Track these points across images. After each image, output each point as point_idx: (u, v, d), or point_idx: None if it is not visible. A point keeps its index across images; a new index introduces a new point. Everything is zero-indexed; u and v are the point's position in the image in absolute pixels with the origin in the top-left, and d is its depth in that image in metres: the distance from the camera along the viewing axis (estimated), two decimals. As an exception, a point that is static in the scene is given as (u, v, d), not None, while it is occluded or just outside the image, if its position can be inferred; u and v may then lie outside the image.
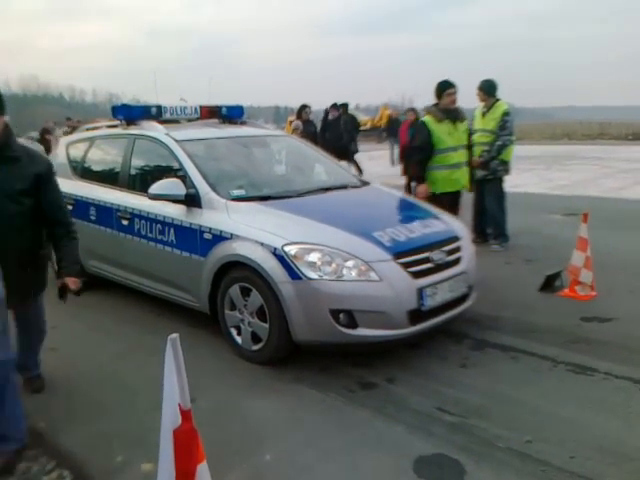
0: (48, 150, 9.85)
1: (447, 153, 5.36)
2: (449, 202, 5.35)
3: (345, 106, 11.16)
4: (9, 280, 2.72)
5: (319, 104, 13.96)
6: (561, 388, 3.37)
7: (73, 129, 13.07)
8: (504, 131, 6.47)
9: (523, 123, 43.07)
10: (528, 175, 13.96)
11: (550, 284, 5.11)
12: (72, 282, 3.12)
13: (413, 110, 10.46)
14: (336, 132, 10.21)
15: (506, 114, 6.48)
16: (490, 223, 6.86)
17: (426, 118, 5.42)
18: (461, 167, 5.46)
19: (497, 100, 6.60)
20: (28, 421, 3.12)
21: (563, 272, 5.15)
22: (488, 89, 6.59)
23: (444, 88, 5.37)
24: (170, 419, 2.01)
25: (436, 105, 5.40)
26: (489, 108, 6.55)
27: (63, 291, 3.15)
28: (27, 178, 2.94)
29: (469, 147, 5.60)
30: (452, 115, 5.36)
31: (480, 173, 6.53)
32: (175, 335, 1.90)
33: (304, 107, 10.62)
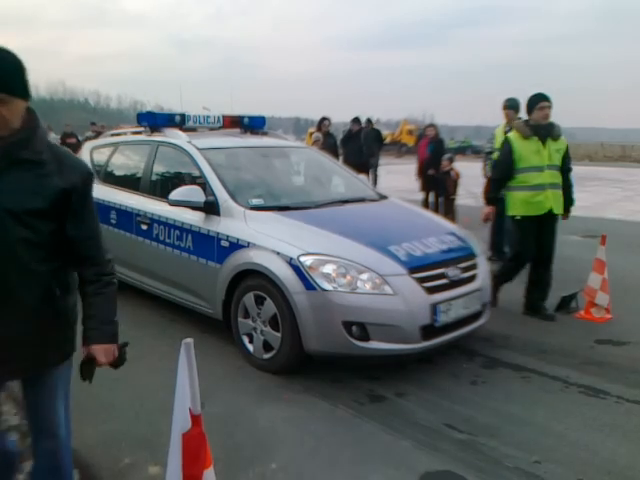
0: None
1: (529, 173, 4.76)
2: (535, 228, 4.88)
3: (369, 121, 11.32)
4: (10, 347, 1.91)
5: (340, 117, 14.05)
6: (572, 410, 3.34)
7: (98, 134, 13.32)
8: None
9: (544, 143, 42.63)
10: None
11: (565, 305, 5.08)
12: (103, 352, 2.10)
13: (433, 126, 10.45)
14: (356, 145, 10.25)
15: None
16: (508, 241, 6.84)
17: (511, 134, 4.93)
18: (546, 189, 4.75)
19: (519, 119, 6.63)
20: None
21: (579, 293, 5.12)
22: (517, 108, 6.64)
23: (536, 101, 4.76)
24: (180, 423, 2.03)
25: (526, 121, 4.86)
26: (512, 127, 6.57)
27: (89, 367, 2.08)
28: (50, 192, 1.86)
29: (564, 169, 4.92)
30: (543, 132, 4.74)
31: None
32: (189, 339, 1.93)
33: (324, 119, 10.69)
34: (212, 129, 5.68)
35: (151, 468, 2.72)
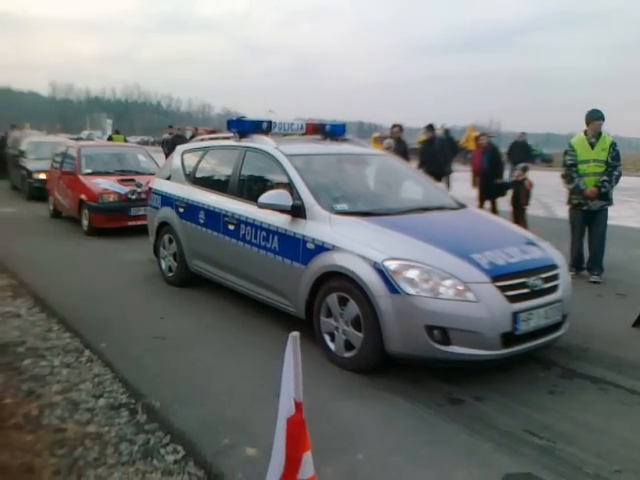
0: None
1: None
2: None
3: (447, 131, 11.59)
4: None
5: (406, 122, 14.06)
6: (653, 424, 3.37)
7: (175, 137, 13.89)
8: (619, 161, 6.57)
9: (618, 153, 41.13)
10: (622, 207, 13.49)
11: (644, 320, 5.03)
12: None
13: (485, 135, 10.42)
14: (433, 153, 10.26)
15: (615, 144, 6.56)
16: (596, 253, 6.77)
17: None
18: None
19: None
20: (145, 400, 3.50)
21: (658, 310, 5.06)
22: (602, 119, 6.62)
23: None
24: (286, 408, 2.22)
25: None
26: (597, 138, 6.54)
27: None
28: None
29: None
30: None
31: (598, 203, 6.60)
32: (296, 333, 2.11)
33: (394, 126, 10.76)
34: (288, 135, 5.90)
35: (248, 449, 2.95)
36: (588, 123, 6.61)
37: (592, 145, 6.55)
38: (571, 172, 6.68)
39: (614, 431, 3.27)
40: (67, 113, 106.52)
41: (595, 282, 6.55)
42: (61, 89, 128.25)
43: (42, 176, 12.61)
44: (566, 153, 6.82)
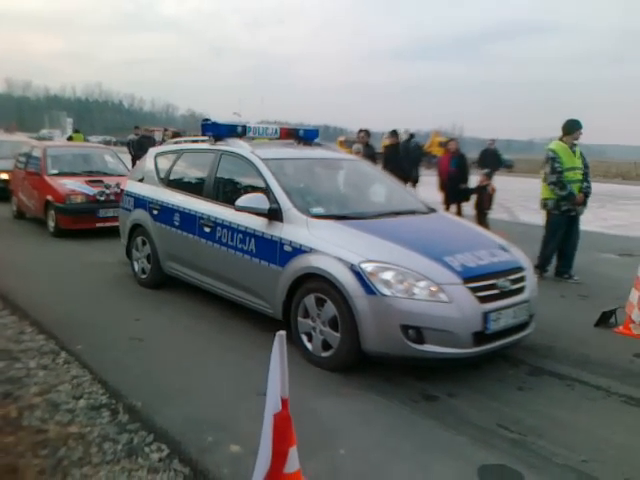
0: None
1: None
2: None
3: (412, 135, 11.69)
4: None
5: (370, 127, 14.20)
6: (615, 416, 3.57)
7: (141, 137, 13.75)
8: (588, 168, 7.07)
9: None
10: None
11: (605, 320, 5.28)
12: None
13: (454, 140, 10.69)
14: (397, 158, 10.41)
15: (582, 152, 7.01)
16: (572, 255, 7.15)
17: None
18: None
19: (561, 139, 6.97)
20: (126, 400, 3.52)
21: (618, 310, 5.31)
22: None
23: None
24: (272, 405, 2.31)
25: None
26: (573, 147, 6.92)
27: None
28: None
29: None
30: None
31: (583, 208, 7.02)
32: (282, 332, 2.20)
33: (360, 131, 10.89)
34: (264, 140, 5.99)
35: (233, 446, 3.02)
36: (570, 132, 6.85)
37: (574, 153, 6.88)
38: (562, 179, 6.76)
39: (580, 425, 3.45)
40: (24, 111, 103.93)
41: (578, 282, 6.97)
42: (18, 86, 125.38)
43: (3, 176, 12.33)
44: (553, 160, 6.80)
